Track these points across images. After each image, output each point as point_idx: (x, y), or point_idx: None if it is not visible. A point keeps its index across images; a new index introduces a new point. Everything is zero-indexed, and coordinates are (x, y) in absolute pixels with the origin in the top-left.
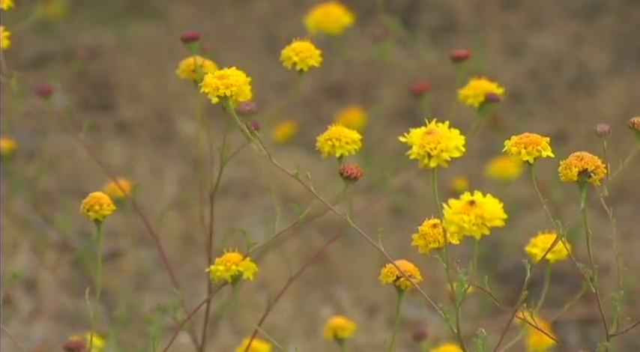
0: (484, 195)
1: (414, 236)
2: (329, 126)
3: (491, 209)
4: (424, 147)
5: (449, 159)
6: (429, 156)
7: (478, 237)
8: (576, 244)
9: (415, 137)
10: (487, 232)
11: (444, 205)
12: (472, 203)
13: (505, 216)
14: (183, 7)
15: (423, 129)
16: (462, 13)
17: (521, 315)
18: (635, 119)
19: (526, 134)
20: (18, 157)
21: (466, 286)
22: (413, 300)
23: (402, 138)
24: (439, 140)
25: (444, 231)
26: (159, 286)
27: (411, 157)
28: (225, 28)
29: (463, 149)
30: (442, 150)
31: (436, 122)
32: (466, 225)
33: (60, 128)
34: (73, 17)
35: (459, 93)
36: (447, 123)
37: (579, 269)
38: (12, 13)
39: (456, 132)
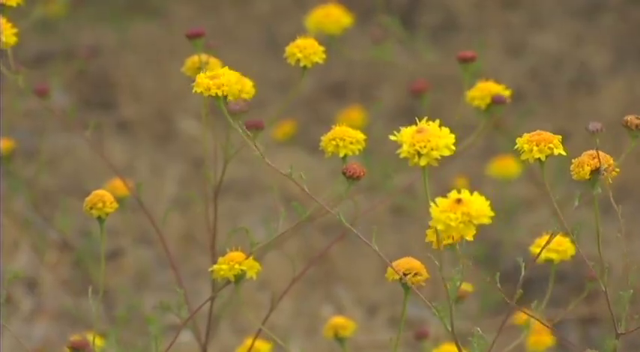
0: (471, 193)
1: (428, 232)
2: (332, 126)
3: (478, 207)
4: (414, 145)
5: (439, 157)
6: (419, 154)
7: (465, 235)
8: (577, 243)
9: (405, 136)
10: (473, 230)
11: (432, 204)
12: (459, 201)
13: (492, 214)
14: (184, 6)
15: (413, 127)
16: (463, 13)
17: (522, 315)
18: (629, 117)
19: (538, 131)
20: (18, 157)
21: (458, 284)
22: (414, 300)
23: (392, 137)
24: (429, 138)
25: (438, 233)
26: (159, 285)
27: (401, 156)
28: (226, 28)
29: (453, 148)
30: (432, 149)
31: (427, 121)
32: (453, 223)
33: (60, 127)
34: (74, 16)
35: (466, 95)
36: (437, 121)
37: (588, 268)
38: (13, 11)
39: (446, 130)
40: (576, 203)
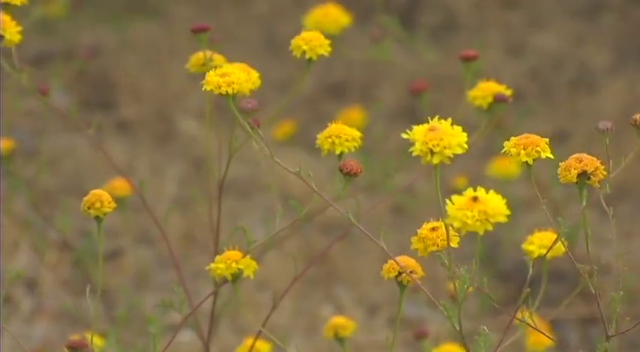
0: (487, 191)
1: (413, 239)
2: (329, 124)
3: (495, 205)
4: (427, 143)
5: (452, 155)
6: (432, 152)
7: (482, 232)
8: (577, 243)
9: (418, 133)
10: (490, 228)
11: (448, 201)
12: (475, 199)
13: (508, 212)
14: (184, 6)
15: (425, 125)
16: (463, 13)
17: (520, 315)
18: (638, 116)
19: (525, 135)
20: (18, 157)
21: (468, 283)
22: (413, 299)
23: (404, 135)
24: (442, 137)
25: (447, 229)
26: (159, 285)
27: (414, 154)
28: (226, 28)
29: (466, 146)
30: (445, 147)
31: (438, 119)
32: (469, 221)
33: (60, 127)
34: (74, 16)
35: (468, 94)
36: (449, 120)
37: (579, 268)
38: (13, 12)
39: (458, 129)
40: (584, 203)
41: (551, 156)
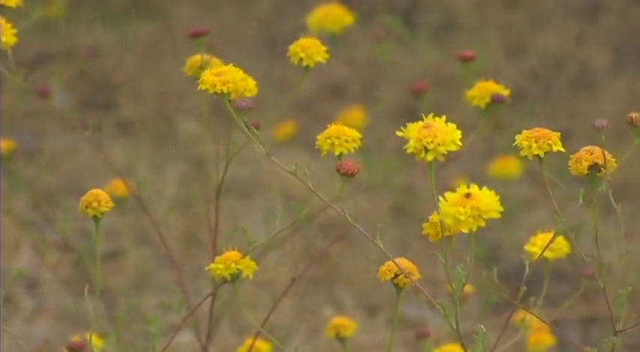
0: (480, 188)
1: (424, 225)
2: (329, 125)
3: (487, 201)
4: (421, 141)
5: (445, 152)
6: (426, 149)
7: (474, 229)
8: (577, 242)
9: (412, 131)
10: (483, 224)
11: (441, 198)
12: (468, 195)
13: (501, 209)
14: (184, 6)
15: (420, 123)
16: (464, 13)
17: (522, 314)
18: (634, 114)
19: (537, 128)
20: (18, 157)
21: (464, 281)
22: (414, 300)
23: (399, 133)
24: (436, 134)
25: (442, 226)
26: (159, 285)
27: (408, 151)
28: (226, 27)
29: (460, 143)
30: (439, 144)
31: (433, 116)
32: (462, 217)
33: (61, 128)
34: (74, 16)
35: (466, 94)
36: (444, 117)
37: (585, 264)
38: (13, 12)
39: (452, 126)
40: (580, 201)
41: (562, 149)
